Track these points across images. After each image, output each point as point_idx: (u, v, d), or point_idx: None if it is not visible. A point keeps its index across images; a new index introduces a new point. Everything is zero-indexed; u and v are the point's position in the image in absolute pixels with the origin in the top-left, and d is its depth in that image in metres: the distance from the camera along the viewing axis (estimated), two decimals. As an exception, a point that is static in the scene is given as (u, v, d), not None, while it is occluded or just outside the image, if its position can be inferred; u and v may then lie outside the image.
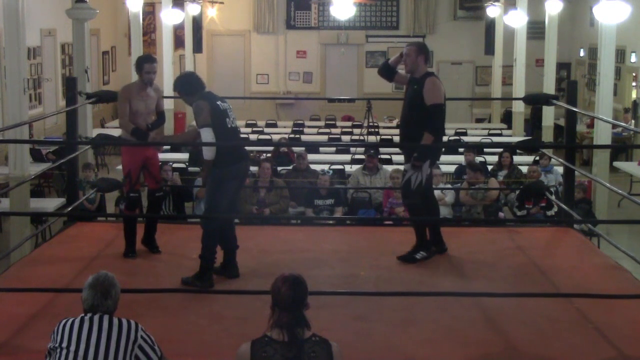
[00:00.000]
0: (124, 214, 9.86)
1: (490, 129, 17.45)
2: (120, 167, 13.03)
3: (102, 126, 17.76)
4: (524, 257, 6.35)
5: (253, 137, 15.30)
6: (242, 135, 5.64)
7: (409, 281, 5.70)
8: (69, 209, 6.99)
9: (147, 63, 6.17)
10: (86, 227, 7.11)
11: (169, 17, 16.70)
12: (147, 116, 6.24)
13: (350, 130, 16.40)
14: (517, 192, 9.99)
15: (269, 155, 12.01)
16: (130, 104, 6.13)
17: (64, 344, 3.45)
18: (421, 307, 5.12)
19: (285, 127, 17.46)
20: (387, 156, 11.83)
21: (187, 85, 5.66)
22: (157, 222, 6.44)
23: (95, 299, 3.55)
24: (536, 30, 18.14)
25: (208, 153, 5.48)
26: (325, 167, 10.87)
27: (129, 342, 3.49)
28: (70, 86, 7.12)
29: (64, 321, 3.56)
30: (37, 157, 12.17)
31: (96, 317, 3.52)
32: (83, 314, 3.55)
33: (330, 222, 8.45)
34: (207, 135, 5.45)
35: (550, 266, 6.09)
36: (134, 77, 16.51)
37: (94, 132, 13.53)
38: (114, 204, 10.30)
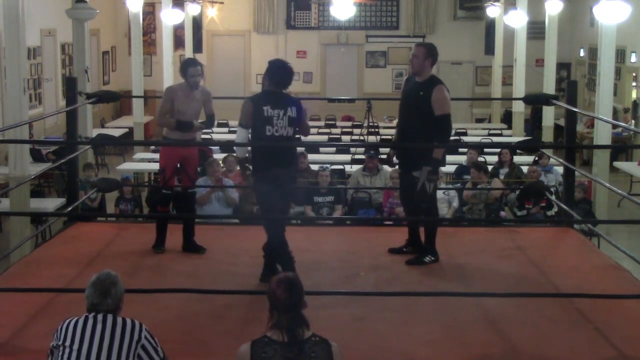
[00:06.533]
0: (125, 213, 9.96)
1: (490, 129, 17.45)
2: (120, 167, 13.15)
3: (102, 126, 17.76)
4: (524, 257, 6.35)
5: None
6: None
7: (409, 281, 5.71)
8: (69, 209, 6.99)
9: (191, 67, 6.29)
10: (86, 227, 7.11)
11: (169, 17, 16.70)
12: (191, 117, 6.31)
13: (350, 130, 16.40)
14: (517, 192, 9.99)
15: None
16: (173, 104, 6.25)
17: (67, 343, 3.46)
18: (421, 307, 5.12)
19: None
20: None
21: (270, 71, 5.63)
22: (193, 223, 6.46)
23: (94, 298, 3.55)
24: (536, 30, 18.14)
25: (238, 151, 5.65)
26: (324, 165, 10.84)
27: (132, 342, 3.49)
28: (70, 86, 7.13)
29: (67, 320, 3.56)
30: (37, 157, 12.16)
31: (100, 316, 3.52)
32: (87, 313, 3.56)
33: (330, 222, 8.45)
34: (239, 134, 5.62)
35: (550, 266, 6.09)
36: (134, 77, 16.56)
37: (94, 132, 13.56)
38: (114, 204, 10.30)
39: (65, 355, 3.43)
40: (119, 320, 3.53)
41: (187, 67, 6.28)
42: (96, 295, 3.55)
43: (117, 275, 3.67)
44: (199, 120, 6.43)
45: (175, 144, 6.37)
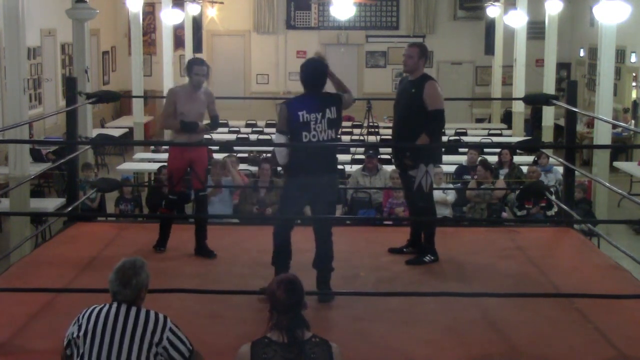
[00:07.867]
0: (125, 213, 9.95)
1: (490, 129, 17.45)
2: (120, 167, 13.16)
3: (102, 126, 17.77)
4: (524, 257, 6.35)
5: (253, 137, 15.29)
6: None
7: (409, 281, 5.70)
8: (69, 209, 6.99)
9: (197, 65, 6.23)
10: (86, 227, 7.11)
11: (169, 17, 16.70)
12: (194, 119, 6.22)
13: (350, 130, 16.39)
14: (517, 192, 9.99)
15: (269, 155, 11.99)
16: (176, 106, 6.17)
17: (88, 338, 3.38)
18: (421, 307, 5.12)
19: (285, 127, 17.40)
20: (387, 156, 11.81)
21: (303, 72, 5.38)
22: (205, 226, 6.34)
23: (115, 286, 3.48)
24: (536, 30, 18.14)
25: (279, 158, 5.40)
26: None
27: (152, 343, 3.39)
28: (70, 86, 7.12)
29: (91, 308, 3.49)
30: (37, 157, 12.17)
31: (123, 308, 3.44)
32: (110, 302, 3.49)
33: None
34: (277, 140, 5.40)
35: (550, 266, 6.09)
36: (134, 77, 16.55)
37: (94, 132, 13.56)
38: (114, 204, 10.30)
39: (86, 355, 3.37)
40: (143, 314, 3.44)
41: (193, 65, 6.24)
42: (116, 283, 3.48)
43: (144, 263, 3.57)
44: (204, 122, 6.37)
45: (172, 144, 6.35)
